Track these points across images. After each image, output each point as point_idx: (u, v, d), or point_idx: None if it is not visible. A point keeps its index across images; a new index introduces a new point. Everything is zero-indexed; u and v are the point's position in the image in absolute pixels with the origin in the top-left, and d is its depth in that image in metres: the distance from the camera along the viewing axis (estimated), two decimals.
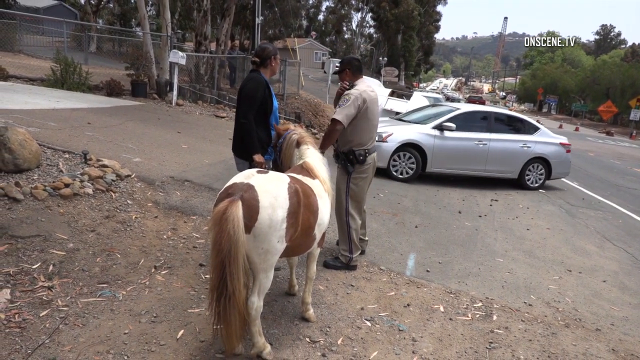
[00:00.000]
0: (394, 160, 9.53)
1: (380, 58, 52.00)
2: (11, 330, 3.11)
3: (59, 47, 17.54)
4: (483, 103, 50.37)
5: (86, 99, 10.95)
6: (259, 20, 20.88)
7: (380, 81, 26.56)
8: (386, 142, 9.42)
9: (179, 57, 12.91)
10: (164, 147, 7.57)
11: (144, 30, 14.53)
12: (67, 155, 5.87)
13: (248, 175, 2.94)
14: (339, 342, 3.51)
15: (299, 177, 3.34)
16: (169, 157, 7.11)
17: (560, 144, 10.70)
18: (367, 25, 57.44)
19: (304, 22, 62.96)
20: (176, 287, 3.94)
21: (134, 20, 37.02)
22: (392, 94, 14.82)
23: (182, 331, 3.33)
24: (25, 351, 2.93)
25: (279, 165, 4.01)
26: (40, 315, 3.26)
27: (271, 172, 3.08)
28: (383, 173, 9.49)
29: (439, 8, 64.76)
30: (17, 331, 3.11)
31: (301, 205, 3.04)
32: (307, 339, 3.49)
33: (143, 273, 4.08)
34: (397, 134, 9.54)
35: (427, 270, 5.17)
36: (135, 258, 4.30)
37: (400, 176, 9.54)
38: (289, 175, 3.19)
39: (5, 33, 19.64)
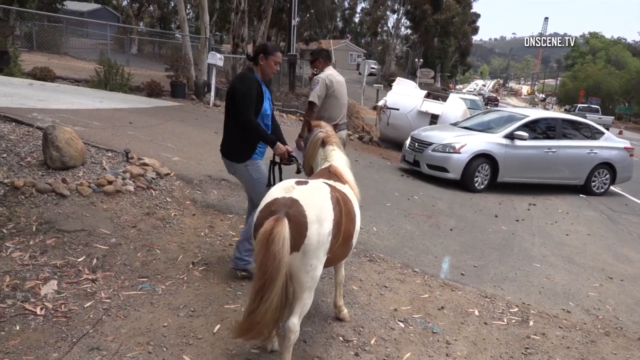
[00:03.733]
0: (469, 172, 9.21)
1: (416, 60, 51.56)
2: (58, 320, 3.26)
3: (102, 49, 18.16)
4: (496, 101, 48.95)
5: (128, 100, 11.30)
6: (294, 22, 21.06)
7: (416, 83, 26.33)
8: (459, 153, 9.21)
9: (216, 59, 13.16)
10: (201, 147, 7.73)
11: (183, 32, 14.89)
12: (110, 154, 6.08)
13: (288, 188, 2.80)
14: (372, 342, 3.52)
15: (332, 183, 3.20)
16: (206, 156, 7.27)
17: (625, 148, 10.55)
18: (403, 26, 57.03)
19: (340, 24, 63.05)
20: (213, 283, 4.04)
21: (173, 23, 37.92)
22: (427, 96, 14.66)
23: (218, 326, 3.41)
24: (71, 340, 3.06)
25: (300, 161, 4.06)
26: (85, 306, 3.40)
27: (310, 182, 2.95)
28: (454, 185, 9.33)
29: (476, 7, 63.64)
30: (64, 320, 3.25)
31: (343, 214, 2.94)
32: (341, 338, 3.51)
33: (181, 268, 4.19)
34: (470, 144, 9.31)
35: (462, 274, 5.11)
36: (174, 254, 4.43)
37: (478, 187, 9.31)
38: (325, 183, 3.08)
39: (53, 36, 20.49)
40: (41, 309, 3.34)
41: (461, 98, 16.42)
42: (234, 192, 6.17)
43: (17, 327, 3.12)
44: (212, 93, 13.50)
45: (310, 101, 5.23)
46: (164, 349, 3.09)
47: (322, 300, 4.01)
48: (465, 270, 5.22)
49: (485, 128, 10.20)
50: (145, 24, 41.21)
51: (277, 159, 4.01)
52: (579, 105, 46.43)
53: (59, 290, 3.56)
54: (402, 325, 3.82)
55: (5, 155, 5.41)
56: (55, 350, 2.95)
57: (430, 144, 9.64)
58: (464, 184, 9.28)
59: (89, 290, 3.62)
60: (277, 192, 2.81)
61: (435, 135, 10.00)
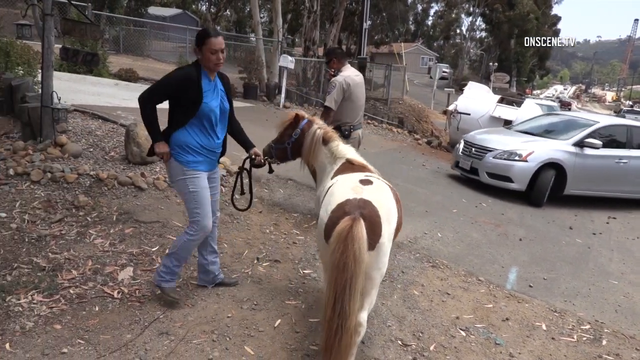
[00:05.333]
0: (536, 182, 8.26)
1: (491, 63, 49.89)
2: (132, 304, 3.49)
3: (181, 52, 19.09)
4: (569, 106, 45.80)
5: None
6: (366, 25, 21.06)
7: (489, 87, 25.49)
8: (526, 161, 8.29)
9: (288, 62, 13.45)
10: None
11: (257, 35, 15.34)
12: None
13: (356, 189, 2.86)
14: (432, 348, 3.48)
15: (376, 178, 3.16)
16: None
17: None
18: (478, 29, 55.38)
19: (412, 27, 62.25)
20: (276, 279, 4.15)
21: (248, 26, 39.12)
22: (501, 101, 14.15)
23: (279, 320, 3.51)
24: (143, 323, 3.27)
25: (285, 156, 3.83)
26: (157, 293, 3.61)
27: (375, 182, 2.98)
28: (518, 196, 8.42)
29: (556, 9, 60.45)
30: (137, 305, 3.48)
31: (400, 208, 3.06)
32: (399, 342, 3.50)
33: (246, 263, 4.34)
34: (538, 152, 8.37)
35: (530, 286, 4.91)
36: (240, 249, 4.59)
37: (543, 200, 8.35)
38: (379, 179, 3.11)
39: (137, 39, 21.80)
40: (118, 292, 3.59)
41: (537, 103, 15.70)
42: (299, 192, 6.29)
43: (97, 308, 3.37)
44: (283, 95, 13.81)
45: (326, 106, 5.21)
46: (227, 339, 3.22)
47: (382, 303, 4.00)
48: (533, 282, 5.01)
49: (543, 132, 9.36)
50: (222, 27, 42.82)
51: (247, 165, 3.81)
52: None
53: (134, 276, 3.81)
54: (463, 333, 3.74)
55: (92, 149, 5.85)
56: (129, 332, 3.16)
57: (491, 149, 8.66)
58: (529, 195, 8.36)
59: None
60: (346, 192, 2.86)
61: (495, 140, 9.04)
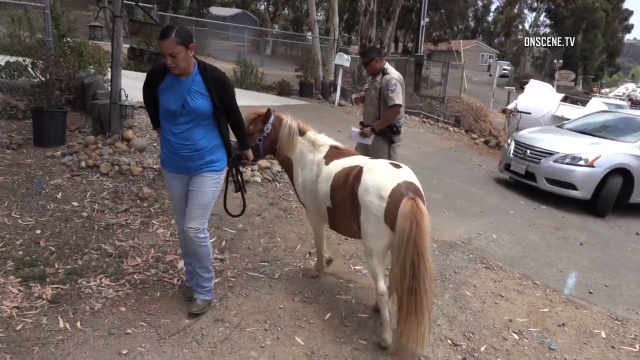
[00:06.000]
0: (602, 190, 7.44)
1: (555, 60, 47.78)
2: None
3: (240, 50, 19.58)
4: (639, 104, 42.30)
5: (259, 98, 12.10)
6: (423, 22, 20.79)
7: (553, 85, 24.45)
8: (593, 167, 7.43)
9: (344, 60, 13.51)
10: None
11: (314, 34, 15.50)
12: None
13: (398, 173, 3.17)
14: (482, 349, 3.44)
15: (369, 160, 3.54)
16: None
17: None
18: (542, 25, 53.15)
19: (471, 23, 60.67)
20: (326, 273, 4.22)
21: (305, 25, 39.50)
22: (565, 100, 13.55)
23: (329, 314, 3.58)
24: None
25: (257, 154, 3.69)
26: (214, 282, 3.77)
27: (403, 166, 3.30)
28: (575, 206, 7.63)
29: (628, 3, 56.89)
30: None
31: None
32: (449, 341, 3.48)
33: (299, 257, 4.44)
34: (605, 156, 7.51)
35: (590, 292, 4.72)
36: (293, 243, 4.70)
37: (608, 210, 7.54)
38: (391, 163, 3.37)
39: (198, 39, 22.51)
40: (177, 280, 3.79)
41: (604, 102, 14.93)
42: None
43: (158, 294, 3.58)
44: (338, 93, 13.88)
45: (397, 104, 4.93)
46: (279, 329, 3.33)
47: (433, 302, 3.98)
48: (594, 288, 4.81)
49: (600, 132, 8.57)
50: (279, 26, 43.48)
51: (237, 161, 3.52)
52: None
53: None
54: (516, 336, 3.67)
55: (155, 144, 6.15)
56: (187, 317, 3.33)
57: (551, 152, 7.78)
58: (593, 204, 7.52)
59: (217, 268, 4.00)
60: (392, 177, 3.13)
61: (553, 141, 8.19)
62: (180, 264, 3.97)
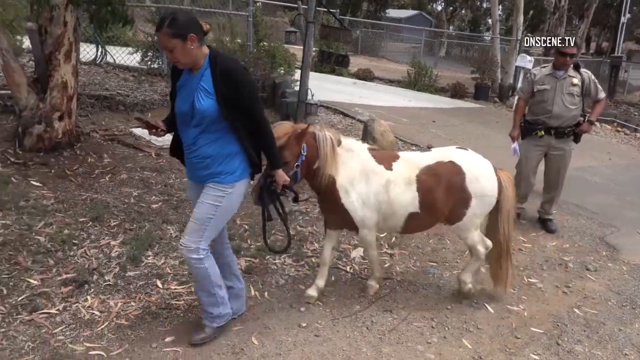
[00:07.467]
0: None
1: None
2: (361, 280, 3.89)
3: (414, 52, 19.63)
4: None
5: (432, 100, 12.04)
6: (624, 19, 18.43)
7: None
8: None
9: (526, 61, 12.70)
10: (499, 150, 7.67)
11: (494, 34, 14.85)
12: (414, 148, 6.71)
13: (475, 156, 3.49)
14: None
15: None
16: (502, 159, 7.19)
17: None
18: None
19: None
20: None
21: (482, 25, 37.88)
22: None
23: (499, 322, 3.49)
24: (370, 299, 3.63)
25: (294, 182, 3.09)
26: (381, 274, 3.94)
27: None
28: None
29: None
30: (365, 282, 3.86)
31: None
32: None
33: (468, 262, 4.38)
34: None
35: None
36: (463, 247, 4.61)
37: None
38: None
39: (374, 41, 23.17)
40: (350, 268, 4.05)
41: None
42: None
43: (332, 278, 3.86)
44: (516, 96, 13.10)
45: (604, 96, 5.08)
46: (446, 328, 3.36)
47: (620, 330, 3.61)
48: None
49: None
50: (455, 27, 42.38)
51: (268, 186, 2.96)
52: None
53: (363, 256, 4.22)
54: None
55: None
56: (358, 304, 3.55)
57: None
58: None
59: (386, 262, 4.17)
60: (479, 157, 3.49)
61: None
62: (353, 253, 4.23)
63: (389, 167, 3.29)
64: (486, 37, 23.05)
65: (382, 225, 3.46)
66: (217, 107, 2.58)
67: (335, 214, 3.36)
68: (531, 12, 28.94)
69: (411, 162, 3.37)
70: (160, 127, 2.74)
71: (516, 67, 13.31)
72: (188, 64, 2.60)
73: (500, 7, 31.75)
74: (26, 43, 8.21)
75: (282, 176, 2.86)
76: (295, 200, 3.22)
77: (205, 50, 2.61)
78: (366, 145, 3.43)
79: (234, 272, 3.16)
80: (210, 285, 2.85)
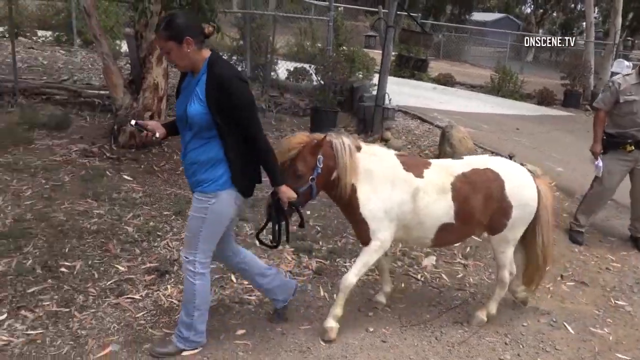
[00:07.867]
0: None
1: None
2: (432, 289, 3.82)
3: (499, 57, 18.91)
4: None
5: (516, 106, 11.53)
6: None
7: None
8: None
9: (623, 67, 11.80)
10: (589, 161, 7.23)
11: (588, 38, 13.97)
12: (494, 156, 6.45)
13: (512, 164, 3.40)
14: None
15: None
16: (591, 170, 6.76)
17: None
18: None
19: None
20: (580, 301, 3.85)
21: (575, 28, 35.72)
22: None
23: (579, 346, 3.28)
24: (440, 309, 3.55)
25: (308, 198, 2.90)
26: (453, 284, 3.83)
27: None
28: None
29: None
30: (436, 291, 3.79)
31: None
32: None
33: (549, 278, 4.12)
34: None
35: None
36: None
37: None
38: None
39: (457, 45, 22.64)
40: (420, 276, 3.98)
41: None
42: (619, 214, 5.57)
43: (402, 285, 3.82)
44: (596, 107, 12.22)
45: None
46: (520, 346, 3.21)
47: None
48: None
49: None
50: (545, 30, 40.28)
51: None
52: None
53: (436, 265, 4.14)
54: None
55: (410, 146, 6.51)
56: (428, 313, 3.49)
57: None
58: None
59: (459, 272, 4.06)
60: (518, 166, 3.45)
61: None
62: (425, 261, 4.16)
63: (419, 175, 3.02)
64: (580, 42, 21.46)
65: (407, 238, 3.23)
66: (207, 114, 2.48)
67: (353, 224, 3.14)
68: (631, 14, 26.88)
69: (444, 169, 3.13)
70: (151, 131, 2.66)
71: (612, 72, 12.42)
72: (186, 67, 2.56)
73: (596, 9, 29.84)
74: (123, 47, 8.89)
75: (285, 193, 2.66)
76: (301, 225, 2.92)
77: (206, 53, 2.53)
78: (393, 151, 3.18)
79: (257, 272, 3.04)
80: (191, 306, 2.73)
